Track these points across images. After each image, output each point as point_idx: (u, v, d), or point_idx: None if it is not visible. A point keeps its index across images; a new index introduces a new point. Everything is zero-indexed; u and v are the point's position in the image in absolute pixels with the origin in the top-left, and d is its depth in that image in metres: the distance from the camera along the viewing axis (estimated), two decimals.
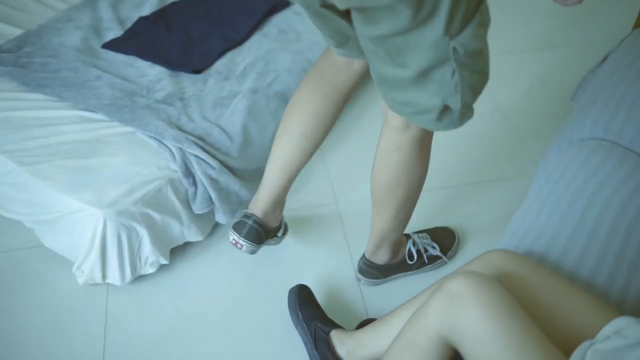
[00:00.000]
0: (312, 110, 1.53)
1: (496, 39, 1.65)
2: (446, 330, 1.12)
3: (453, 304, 1.10)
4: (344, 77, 1.49)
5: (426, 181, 1.56)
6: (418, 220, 1.80)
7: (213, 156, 1.74)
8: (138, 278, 1.77)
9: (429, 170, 1.55)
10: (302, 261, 1.86)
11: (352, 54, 1.41)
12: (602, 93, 1.74)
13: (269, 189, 1.62)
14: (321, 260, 1.86)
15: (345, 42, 1.38)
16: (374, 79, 1.31)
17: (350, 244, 1.90)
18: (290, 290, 1.65)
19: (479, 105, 2.17)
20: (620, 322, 1.14)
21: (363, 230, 1.92)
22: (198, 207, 1.75)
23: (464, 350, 1.10)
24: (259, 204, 1.63)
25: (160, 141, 1.74)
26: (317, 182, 2.08)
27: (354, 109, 2.33)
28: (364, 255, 1.76)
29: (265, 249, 1.88)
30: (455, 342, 1.11)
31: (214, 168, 1.73)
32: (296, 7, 2.25)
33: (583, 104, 1.77)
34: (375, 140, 2.20)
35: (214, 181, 1.73)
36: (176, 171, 1.71)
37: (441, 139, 1.78)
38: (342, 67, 1.48)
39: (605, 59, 1.99)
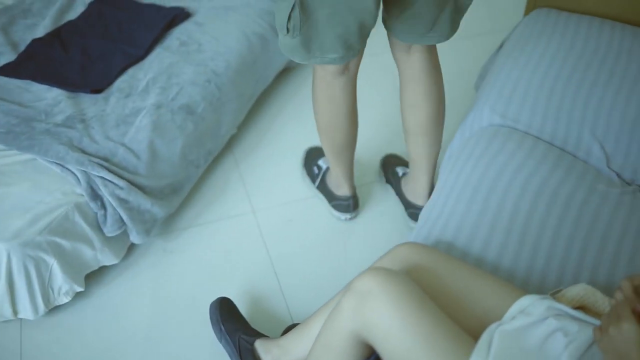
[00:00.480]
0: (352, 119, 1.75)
1: None
2: (359, 328, 1.13)
3: (363, 301, 1.11)
4: (350, 85, 1.66)
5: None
6: None
7: (120, 176, 1.70)
8: (53, 309, 1.71)
9: None
10: (223, 273, 1.84)
11: (353, 52, 1.50)
12: (498, 80, 1.79)
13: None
14: (242, 270, 1.84)
15: (350, 42, 1.46)
16: (451, 20, 1.50)
17: (270, 251, 1.89)
18: (211, 305, 1.63)
19: (385, 102, 2.22)
20: (525, 301, 1.18)
21: (282, 236, 1.93)
22: (109, 230, 1.71)
23: (377, 346, 1.11)
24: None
25: (62, 166, 1.68)
26: (232, 192, 2.06)
27: (265, 117, 2.33)
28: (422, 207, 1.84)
29: (182, 265, 1.85)
30: (369, 338, 1.12)
31: (121, 188, 1.69)
32: (197, 18, 2.22)
33: (481, 92, 1.83)
34: (287, 144, 2.22)
35: (123, 201, 1.69)
36: (82, 195, 1.66)
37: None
38: (345, 81, 1.63)
39: (501, 46, 2.06)
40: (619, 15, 1.95)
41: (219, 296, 1.66)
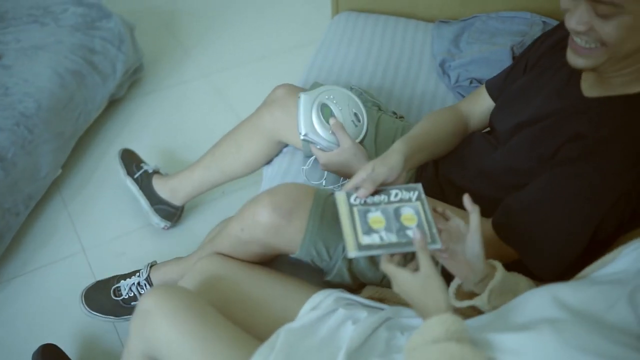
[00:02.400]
0: None
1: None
2: (147, 348, 1.12)
3: (143, 321, 1.11)
4: None
5: None
6: None
7: None
8: None
9: None
10: (55, 319, 1.77)
11: None
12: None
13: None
14: (74, 313, 1.77)
15: None
16: None
17: None
18: (33, 355, 1.56)
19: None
20: (317, 297, 1.21)
21: (114, 271, 1.88)
22: None
23: None
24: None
25: None
26: (61, 234, 1.99)
27: (93, 153, 2.26)
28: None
29: (10, 318, 1.77)
30: (157, 357, 1.12)
31: None
32: (4, 61, 2.13)
33: None
34: (117, 178, 2.16)
35: None
36: None
37: None
38: None
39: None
40: (409, 13, 2.07)
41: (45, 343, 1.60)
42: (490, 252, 1.18)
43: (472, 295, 1.09)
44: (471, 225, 1.02)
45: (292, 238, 1.24)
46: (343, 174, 1.40)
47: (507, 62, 1.76)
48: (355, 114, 1.44)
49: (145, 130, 2.37)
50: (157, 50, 2.70)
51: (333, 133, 1.38)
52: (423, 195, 1.08)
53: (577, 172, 1.08)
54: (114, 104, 2.44)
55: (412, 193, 1.08)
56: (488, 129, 1.44)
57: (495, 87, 1.41)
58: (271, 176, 1.65)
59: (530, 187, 1.15)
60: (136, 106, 2.46)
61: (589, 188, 1.08)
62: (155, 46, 2.72)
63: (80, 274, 1.88)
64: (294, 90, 1.61)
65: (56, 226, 2.02)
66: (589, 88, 1.16)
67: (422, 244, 0.98)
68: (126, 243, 1.97)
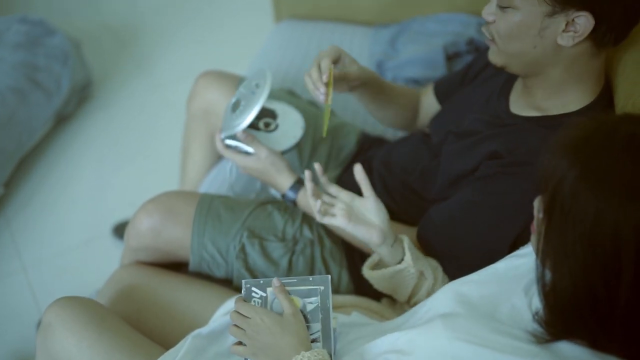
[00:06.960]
0: None
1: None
2: None
3: (46, 335, 1.08)
4: None
5: None
6: None
7: None
8: None
9: None
10: None
11: None
12: None
13: None
14: (10, 335, 1.74)
15: None
16: None
17: (42, 306, 1.80)
18: None
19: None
20: (231, 303, 1.19)
21: (55, 289, 1.87)
22: None
23: None
24: None
25: None
26: (2, 252, 1.96)
27: (39, 170, 2.23)
28: None
29: None
30: None
31: None
32: None
33: None
34: (63, 195, 2.13)
35: None
36: None
37: None
38: None
39: None
40: (350, 19, 2.07)
41: None
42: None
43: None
44: (365, 193, 1.07)
45: (181, 243, 1.24)
46: (264, 182, 1.33)
47: (440, 61, 1.76)
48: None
49: (94, 145, 2.34)
50: (108, 65, 2.68)
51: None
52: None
53: (494, 189, 1.08)
54: (63, 120, 2.41)
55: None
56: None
57: (441, 91, 1.41)
58: (208, 182, 1.63)
59: (451, 201, 1.16)
60: (86, 122, 2.43)
61: (505, 204, 1.07)
62: (106, 62, 2.70)
63: (17, 293, 1.85)
64: (216, 78, 1.58)
65: None
66: (515, 102, 1.16)
67: (280, 289, 0.98)
68: (69, 259, 1.94)
